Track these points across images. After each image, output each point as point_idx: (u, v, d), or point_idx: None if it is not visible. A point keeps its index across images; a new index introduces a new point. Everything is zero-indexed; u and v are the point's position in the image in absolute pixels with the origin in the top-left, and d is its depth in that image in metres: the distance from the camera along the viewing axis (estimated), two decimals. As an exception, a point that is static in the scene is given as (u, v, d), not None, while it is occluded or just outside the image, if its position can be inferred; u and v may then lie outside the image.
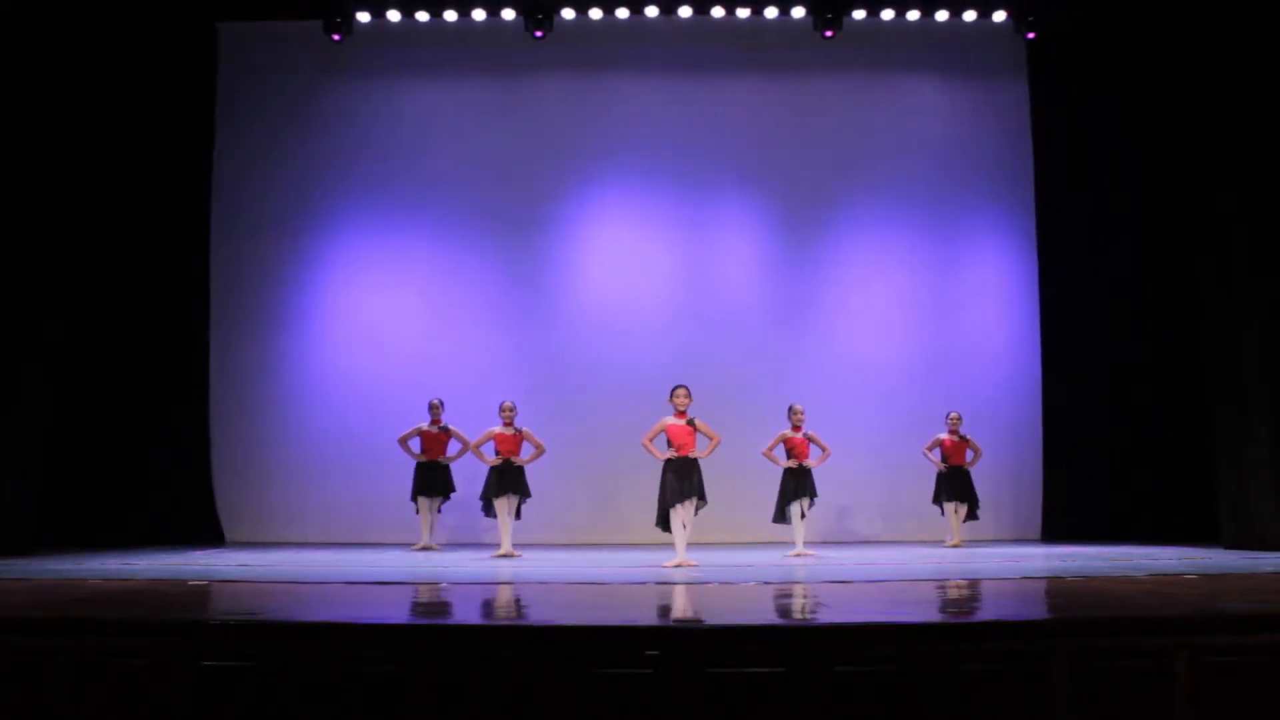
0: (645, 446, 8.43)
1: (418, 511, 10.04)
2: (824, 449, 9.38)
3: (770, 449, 9.37)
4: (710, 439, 8.36)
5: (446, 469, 10.05)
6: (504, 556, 8.90)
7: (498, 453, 9.17)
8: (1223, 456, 9.27)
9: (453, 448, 10.08)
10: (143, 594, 5.70)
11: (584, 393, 11.07)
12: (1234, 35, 9.20)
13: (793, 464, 9.23)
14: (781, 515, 9.24)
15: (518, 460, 9.18)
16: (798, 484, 9.18)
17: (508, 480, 9.11)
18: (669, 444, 8.27)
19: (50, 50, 9.79)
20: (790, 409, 9.43)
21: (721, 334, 11.24)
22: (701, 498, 8.22)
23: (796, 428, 9.35)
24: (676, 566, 7.82)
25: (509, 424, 9.25)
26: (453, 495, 10.18)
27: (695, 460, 8.23)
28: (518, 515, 9.23)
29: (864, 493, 11.11)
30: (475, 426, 9.58)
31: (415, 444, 10.05)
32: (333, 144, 11.51)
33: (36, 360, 9.59)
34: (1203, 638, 4.15)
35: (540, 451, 9.32)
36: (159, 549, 9.64)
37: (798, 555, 8.91)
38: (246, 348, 11.31)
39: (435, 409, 10.10)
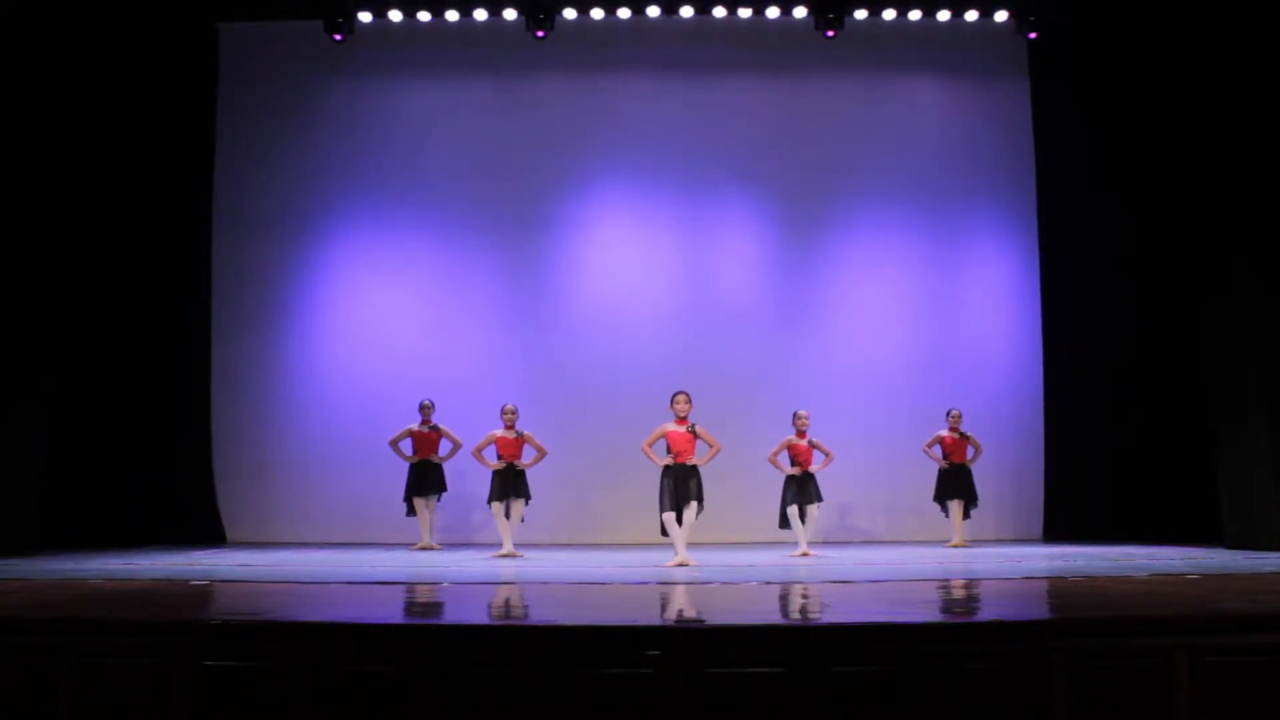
0: (644, 452, 8.42)
1: (409, 514, 10.04)
2: (827, 454, 9.37)
3: (775, 454, 9.34)
4: (710, 446, 8.35)
5: (439, 468, 10.05)
6: (505, 556, 8.90)
7: (499, 456, 9.17)
8: (1224, 456, 9.27)
9: (444, 447, 10.08)
10: (144, 594, 5.71)
11: (585, 393, 11.06)
12: (1236, 34, 9.19)
13: (796, 471, 9.21)
14: (785, 521, 9.24)
15: (520, 464, 9.17)
16: (800, 490, 9.18)
17: (510, 484, 9.10)
18: (668, 450, 8.27)
19: (51, 51, 9.80)
20: (795, 415, 9.40)
21: (722, 334, 11.23)
22: (700, 502, 8.20)
23: (801, 434, 9.33)
24: (677, 566, 7.83)
25: (510, 427, 9.24)
26: (445, 495, 10.18)
27: (694, 467, 8.21)
28: (521, 518, 9.22)
29: (865, 492, 11.11)
30: (476, 427, 9.57)
31: (406, 445, 10.05)
32: (334, 144, 11.51)
33: (36, 360, 9.60)
34: (1203, 638, 4.15)
35: (542, 455, 9.30)
36: (160, 549, 9.65)
37: (803, 555, 8.90)
38: (247, 347, 11.31)
39: (426, 409, 10.10)
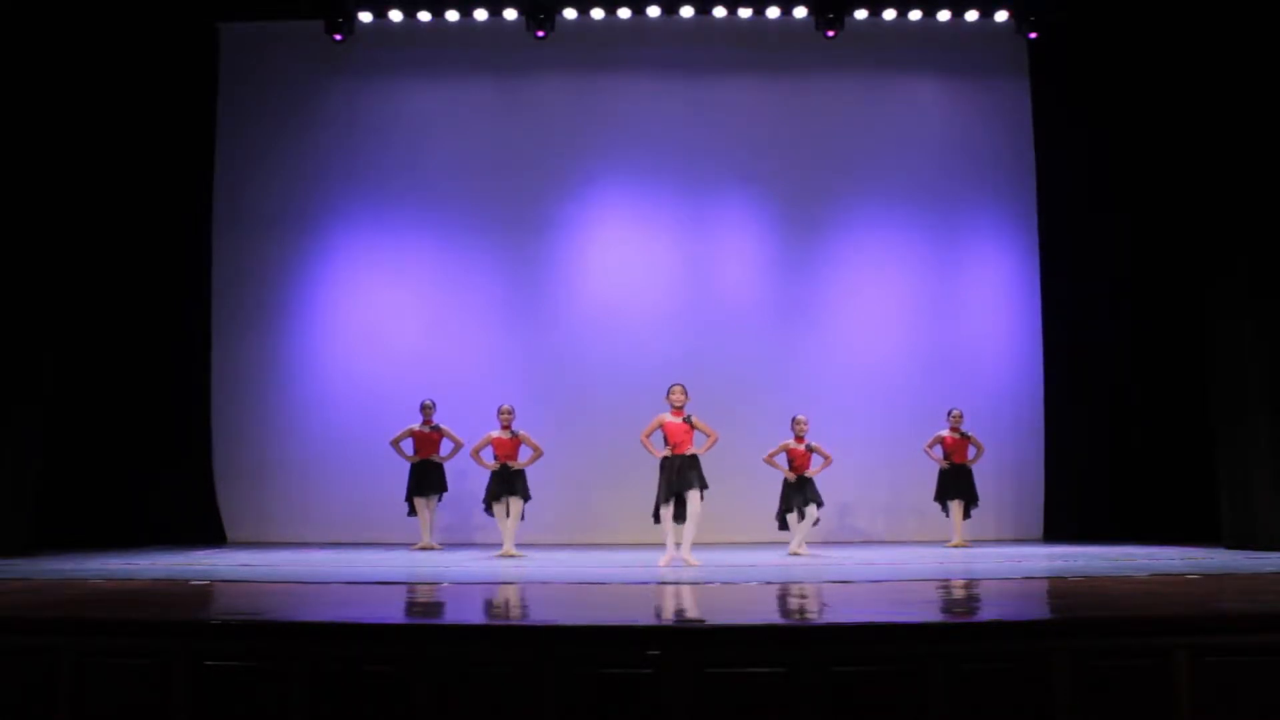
0: (643, 443, 8.44)
1: (410, 513, 10.06)
2: (826, 457, 9.37)
3: (772, 456, 9.35)
4: (708, 436, 8.38)
5: (440, 468, 10.05)
6: (506, 556, 8.92)
7: (495, 456, 9.18)
8: (1224, 456, 9.27)
9: (445, 447, 10.08)
10: (144, 594, 5.71)
11: (585, 393, 11.07)
12: (1235, 34, 9.19)
13: (792, 476, 9.22)
14: (783, 523, 9.26)
15: (515, 464, 9.18)
16: (797, 494, 9.18)
17: (505, 484, 9.12)
18: (666, 441, 8.29)
19: (52, 51, 9.80)
20: (793, 420, 9.40)
21: (723, 334, 11.23)
22: (703, 486, 8.19)
23: (799, 438, 9.33)
24: (668, 564, 7.83)
25: (506, 427, 9.25)
26: (445, 495, 10.20)
27: (694, 456, 8.23)
28: (521, 517, 9.22)
29: (866, 492, 11.11)
30: (476, 427, 9.57)
31: (408, 445, 10.06)
32: (334, 144, 11.51)
33: (37, 359, 9.59)
34: (1203, 638, 4.15)
35: (538, 455, 9.30)
36: (160, 549, 9.65)
37: (794, 554, 8.92)
38: (247, 347, 11.31)
39: (427, 409, 10.11)
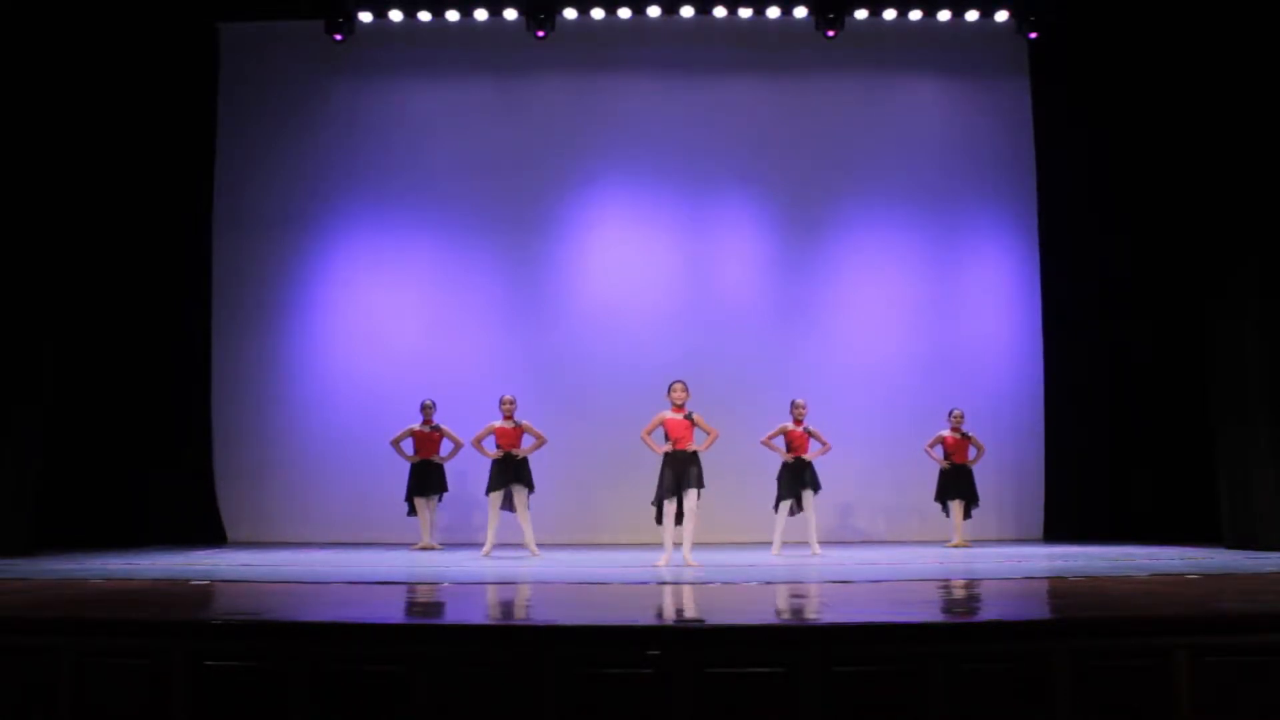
0: (643, 440, 8.45)
1: (410, 513, 10.06)
2: (824, 443, 9.41)
3: (769, 438, 9.39)
4: (708, 433, 8.39)
5: (440, 468, 10.06)
6: (533, 550, 9.06)
7: (498, 446, 9.18)
8: (1224, 456, 9.27)
9: (445, 447, 10.08)
10: (144, 594, 5.71)
11: (585, 392, 11.07)
12: (1235, 33, 9.19)
13: (790, 458, 9.24)
14: (777, 508, 9.28)
15: (518, 453, 9.17)
16: (795, 478, 9.20)
17: (508, 472, 9.11)
18: (666, 438, 8.29)
19: (52, 51, 9.79)
20: (792, 403, 9.45)
21: (723, 334, 11.23)
22: (700, 487, 8.20)
23: (798, 421, 9.37)
24: (665, 565, 7.84)
25: (509, 417, 9.26)
26: (446, 495, 10.20)
27: (694, 453, 8.24)
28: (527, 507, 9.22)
29: (866, 492, 11.12)
30: (476, 427, 9.55)
31: (408, 445, 10.06)
32: (334, 144, 11.51)
33: (38, 360, 9.59)
34: (1203, 638, 4.15)
35: (541, 442, 9.27)
36: (161, 549, 9.66)
37: (798, 553, 8.94)
38: (248, 347, 11.32)
39: (427, 409, 10.11)
